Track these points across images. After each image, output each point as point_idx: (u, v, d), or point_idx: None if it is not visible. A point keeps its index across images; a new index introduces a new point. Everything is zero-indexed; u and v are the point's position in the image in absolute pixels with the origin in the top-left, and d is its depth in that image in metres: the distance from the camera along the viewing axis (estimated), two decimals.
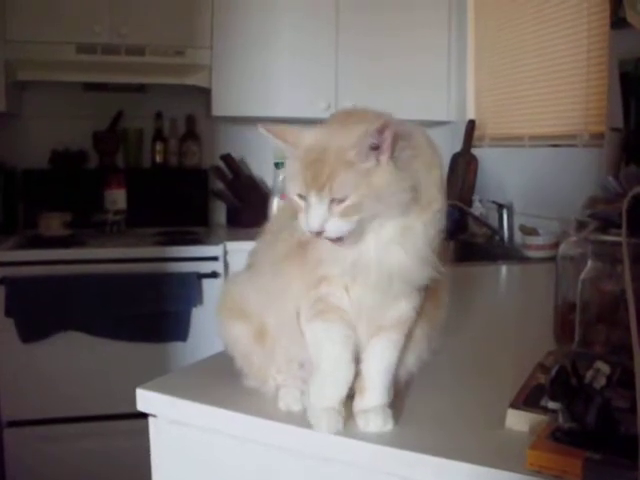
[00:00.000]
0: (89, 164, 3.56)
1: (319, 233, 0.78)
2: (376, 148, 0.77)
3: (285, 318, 0.91)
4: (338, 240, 0.80)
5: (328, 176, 0.77)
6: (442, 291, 0.94)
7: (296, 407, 0.92)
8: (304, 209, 0.79)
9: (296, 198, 0.81)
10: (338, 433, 0.87)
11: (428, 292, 0.90)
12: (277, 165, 3.05)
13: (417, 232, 0.83)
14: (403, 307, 0.87)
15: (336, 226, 0.78)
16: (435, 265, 0.85)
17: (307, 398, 0.91)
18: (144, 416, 1.04)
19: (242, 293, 0.97)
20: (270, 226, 0.98)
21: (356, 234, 0.80)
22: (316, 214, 0.78)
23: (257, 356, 0.97)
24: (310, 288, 0.87)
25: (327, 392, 0.89)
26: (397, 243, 0.82)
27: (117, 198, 3.29)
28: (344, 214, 0.77)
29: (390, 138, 0.77)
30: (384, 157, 0.78)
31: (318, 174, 0.77)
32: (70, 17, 3.11)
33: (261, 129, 0.83)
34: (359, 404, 0.91)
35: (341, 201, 0.77)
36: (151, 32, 3.23)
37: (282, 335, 0.93)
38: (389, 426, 0.91)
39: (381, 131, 0.77)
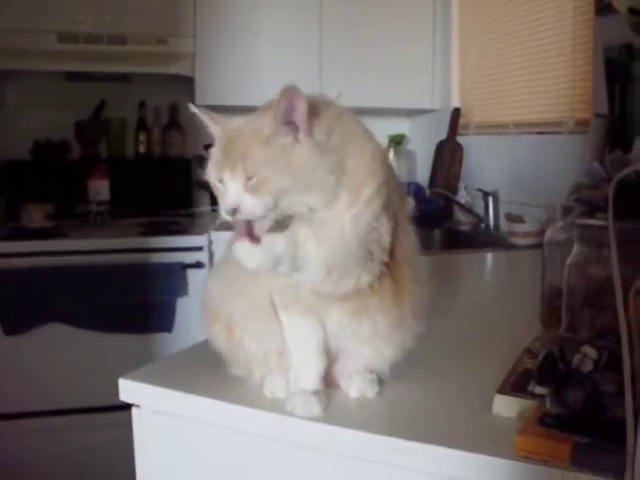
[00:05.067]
0: (71, 154, 3.53)
1: (234, 211, 0.77)
2: (291, 123, 0.77)
3: (256, 307, 0.90)
4: (252, 230, 0.79)
5: (241, 154, 0.77)
6: (407, 276, 0.91)
7: (281, 394, 0.91)
8: (222, 192, 0.79)
9: (216, 183, 0.80)
10: (316, 417, 0.86)
11: (398, 278, 0.89)
12: None
13: (343, 226, 0.80)
14: (351, 284, 0.84)
15: (249, 204, 0.77)
16: (367, 263, 0.83)
17: (288, 385, 0.91)
18: (129, 408, 1.03)
19: (211, 290, 0.97)
20: None
21: (276, 226, 0.79)
22: (230, 192, 0.77)
23: (229, 350, 0.96)
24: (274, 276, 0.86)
25: (303, 377, 0.89)
26: (314, 238, 0.80)
27: (100, 189, 3.25)
28: (255, 189, 0.76)
29: (303, 110, 0.77)
30: (301, 133, 0.77)
31: (231, 153, 0.78)
32: (52, 5, 3.07)
33: (192, 108, 0.85)
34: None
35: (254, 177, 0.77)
36: (133, 21, 3.19)
37: (253, 326, 0.92)
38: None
39: (290, 98, 0.76)
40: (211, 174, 0.81)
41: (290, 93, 0.76)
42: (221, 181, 0.79)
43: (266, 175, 0.76)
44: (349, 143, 0.82)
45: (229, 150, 0.79)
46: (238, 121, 0.82)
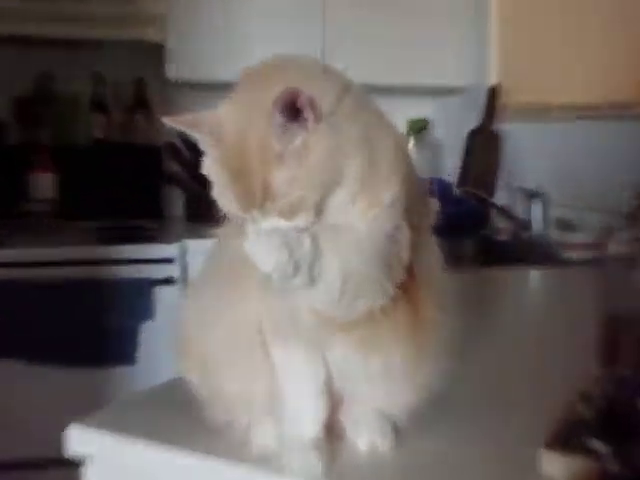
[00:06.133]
0: (7, 139, 3.53)
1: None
2: (296, 119, 0.77)
3: (239, 337, 0.90)
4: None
5: (261, 187, 0.78)
6: (424, 304, 0.91)
7: (272, 446, 0.91)
8: (250, 221, 0.80)
9: (234, 212, 0.82)
10: (316, 477, 0.86)
11: (416, 303, 0.89)
12: None
13: (359, 234, 0.81)
14: (365, 306, 0.84)
15: (289, 227, 0.79)
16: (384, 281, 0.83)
17: (281, 435, 0.91)
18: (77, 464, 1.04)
19: (185, 314, 0.97)
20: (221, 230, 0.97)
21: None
22: (264, 226, 0.79)
23: (205, 389, 0.96)
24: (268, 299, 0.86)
25: (299, 424, 0.89)
26: (331, 243, 0.81)
27: (44, 183, 3.27)
28: (290, 213, 0.78)
29: (306, 103, 0.77)
30: (309, 123, 0.78)
31: (250, 190, 0.78)
32: None
33: (166, 121, 0.83)
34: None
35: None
36: None
37: (234, 360, 0.92)
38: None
39: (291, 102, 0.76)
40: (225, 204, 0.83)
41: (287, 97, 0.76)
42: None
43: (296, 195, 0.77)
44: (360, 118, 0.82)
45: (242, 178, 0.79)
46: (231, 122, 0.81)
